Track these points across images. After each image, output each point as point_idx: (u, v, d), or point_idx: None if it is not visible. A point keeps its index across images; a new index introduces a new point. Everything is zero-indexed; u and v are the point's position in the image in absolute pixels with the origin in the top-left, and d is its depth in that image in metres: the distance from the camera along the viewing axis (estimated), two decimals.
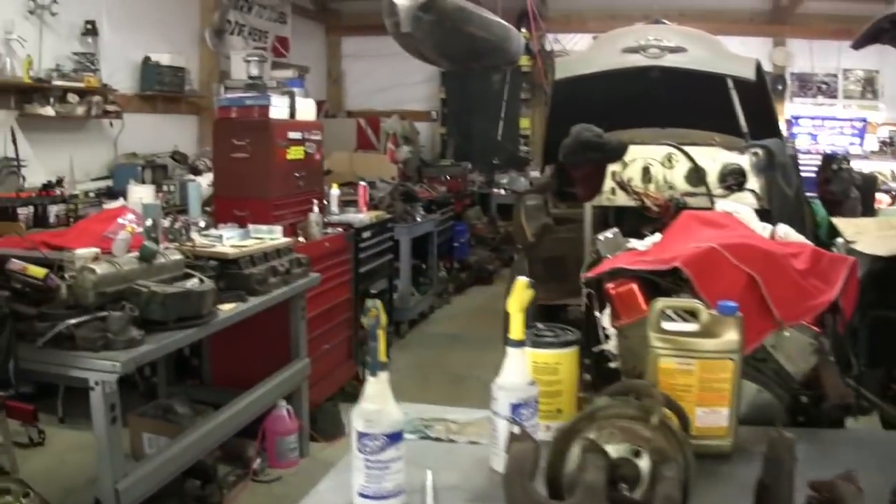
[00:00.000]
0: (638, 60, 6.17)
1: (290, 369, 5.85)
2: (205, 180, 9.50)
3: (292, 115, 6.71)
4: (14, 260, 4.17)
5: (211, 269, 4.99)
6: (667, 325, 2.50)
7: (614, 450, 1.94)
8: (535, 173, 13.65)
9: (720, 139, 7.25)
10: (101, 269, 4.11)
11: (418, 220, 9.32)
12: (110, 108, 9.32)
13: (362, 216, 7.82)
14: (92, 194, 8.71)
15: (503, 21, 9.03)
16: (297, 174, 6.67)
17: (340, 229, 7.29)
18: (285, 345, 5.99)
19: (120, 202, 8.12)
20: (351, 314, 7.39)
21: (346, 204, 8.09)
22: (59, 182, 8.41)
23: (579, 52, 6.69)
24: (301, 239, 6.43)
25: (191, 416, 5.83)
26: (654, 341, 2.46)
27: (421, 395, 7.11)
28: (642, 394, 2.17)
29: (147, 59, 10.30)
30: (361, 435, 1.95)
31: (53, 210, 7.92)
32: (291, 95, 6.78)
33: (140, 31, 10.26)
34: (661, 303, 2.55)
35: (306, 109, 6.93)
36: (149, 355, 4.09)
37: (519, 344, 2.30)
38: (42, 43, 8.56)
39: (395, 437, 1.96)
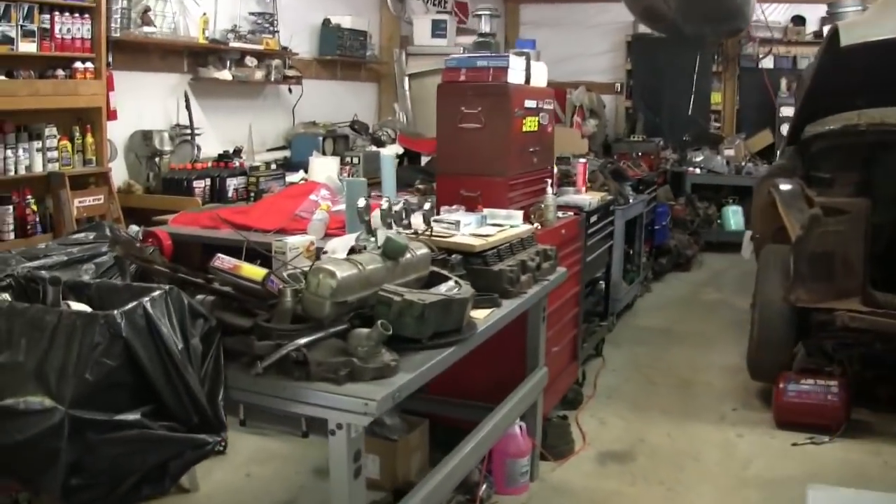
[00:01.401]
0: None
1: (529, 381, 4.64)
2: (388, 152, 8.47)
3: (527, 80, 5.50)
4: (221, 256, 3.04)
5: (457, 266, 3.82)
6: None
7: None
8: (729, 151, 12.39)
9: None
10: (340, 270, 2.93)
11: (631, 201, 8.00)
12: (290, 73, 8.31)
13: (588, 197, 6.57)
14: (274, 166, 7.64)
15: None
16: (531, 149, 5.48)
17: (571, 213, 6.05)
18: (516, 349, 4.83)
19: (300, 175, 7.17)
20: (578, 309, 6.23)
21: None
22: (237, 152, 7.45)
23: (867, 16, 5.34)
24: (537, 225, 5.20)
25: (402, 431, 4.85)
26: None
27: (649, 402, 6.45)
28: None
29: (327, 21, 9.22)
30: None
31: (232, 183, 6.91)
32: (527, 57, 5.57)
33: None
34: None
35: (540, 74, 5.71)
36: (407, 388, 2.92)
37: None
38: (217, 1, 7.51)
39: None
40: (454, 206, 5.00)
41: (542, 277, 4.42)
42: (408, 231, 4.19)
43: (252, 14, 7.98)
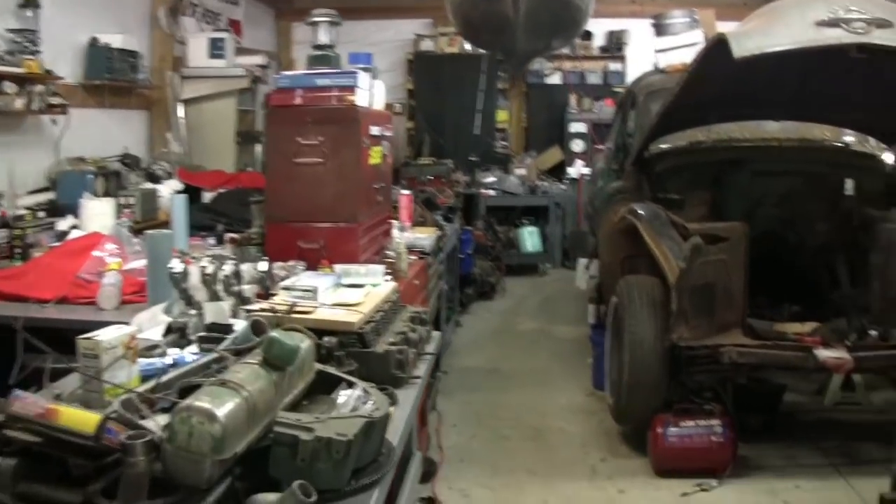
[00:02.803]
0: (840, 36, 4.45)
1: (410, 473, 3.50)
2: (166, 190, 7.30)
3: (370, 102, 4.49)
4: (22, 394, 1.91)
5: (340, 355, 2.80)
6: None
7: None
8: (520, 171, 11.73)
9: (831, 133, 6.63)
10: (222, 407, 1.85)
11: (448, 232, 7.07)
12: (54, 100, 6.90)
13: (424, 236, 5.62)
14: (42, 213, 6.28)
15: None
16: (377, 186, 4.46)
17: (413, 257, 5.07)
18: None
19: (69, 221, 5.90)
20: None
21: None
22: None
23: (755, 24, 4.67)
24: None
25: None
26: None
27: (509, 462, 5.54)
28: None
29: (95, 40, 7.83)
30: None
31: None
32: (373, 74, 4.57)
33: (83, 5, 7.78)
34: None
35: (379, 95, 4.72)
36: None
37: None
38: None
39: None
40: (290, 262, 3.95)
41: (422, 351, 3.41)
42: (258, 307, 3.13)
43: (10, 31, 6.54)
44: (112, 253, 4.77)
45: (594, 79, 12.62)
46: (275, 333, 2.20)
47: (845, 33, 4.44)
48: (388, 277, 3.94)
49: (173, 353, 2.94)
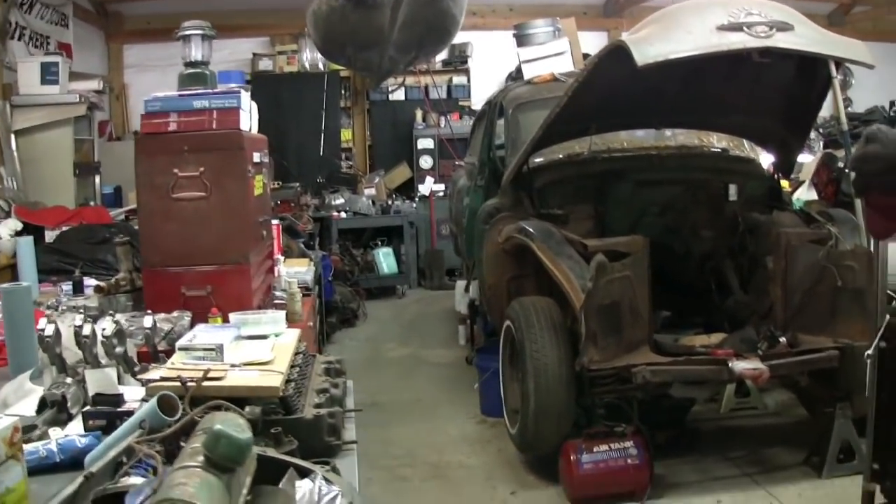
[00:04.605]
0: (745, 40, 4.31)
1: None
2: (4, 230, 6.62)
3: (250, 125, 3.99)
4: None
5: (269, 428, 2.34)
6: None
7: None
8: (370, 190, 11.28)
9: (708, 139, 6.41)
10: None
11: (313, 261, 6.59)
12: None
13: (303, 269, 5.12)
14: None
15: None
16: (261, 219, 3.95)
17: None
18: None
19: None
20: None
21: None
22: None
23: (652, 30, 4.39)
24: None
25: None
26: None
27: None
28: None
29: None
30: None
31: None
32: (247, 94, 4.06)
33: None
34: None
35: (254, 116, 4.22)
36: None
37: None
38: None
39: None
40: (174, 313, 3.43)
41: (344, 407, 2.97)
42: (157, 374, 2.64)
43: None
44: None
45: (439, 93, 12.22)
46: (218, 425, 1.71)
47: (749, 37, 4.28)
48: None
49: (55, 435, 2.46)
